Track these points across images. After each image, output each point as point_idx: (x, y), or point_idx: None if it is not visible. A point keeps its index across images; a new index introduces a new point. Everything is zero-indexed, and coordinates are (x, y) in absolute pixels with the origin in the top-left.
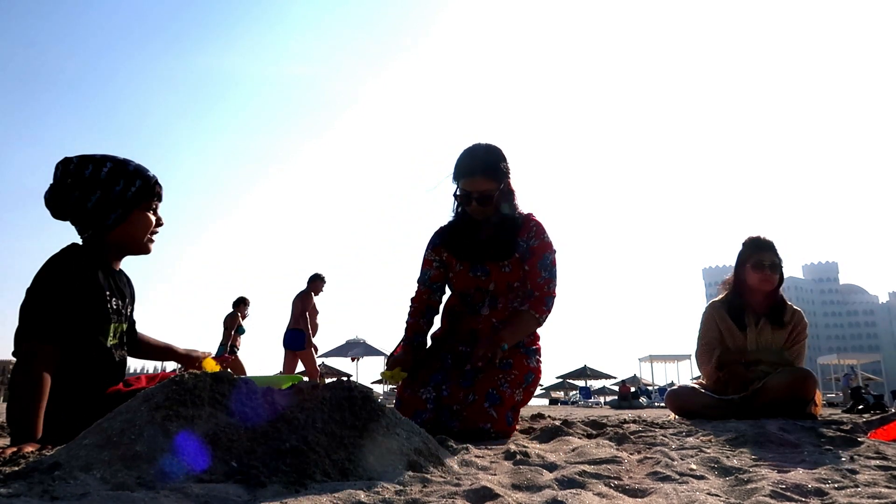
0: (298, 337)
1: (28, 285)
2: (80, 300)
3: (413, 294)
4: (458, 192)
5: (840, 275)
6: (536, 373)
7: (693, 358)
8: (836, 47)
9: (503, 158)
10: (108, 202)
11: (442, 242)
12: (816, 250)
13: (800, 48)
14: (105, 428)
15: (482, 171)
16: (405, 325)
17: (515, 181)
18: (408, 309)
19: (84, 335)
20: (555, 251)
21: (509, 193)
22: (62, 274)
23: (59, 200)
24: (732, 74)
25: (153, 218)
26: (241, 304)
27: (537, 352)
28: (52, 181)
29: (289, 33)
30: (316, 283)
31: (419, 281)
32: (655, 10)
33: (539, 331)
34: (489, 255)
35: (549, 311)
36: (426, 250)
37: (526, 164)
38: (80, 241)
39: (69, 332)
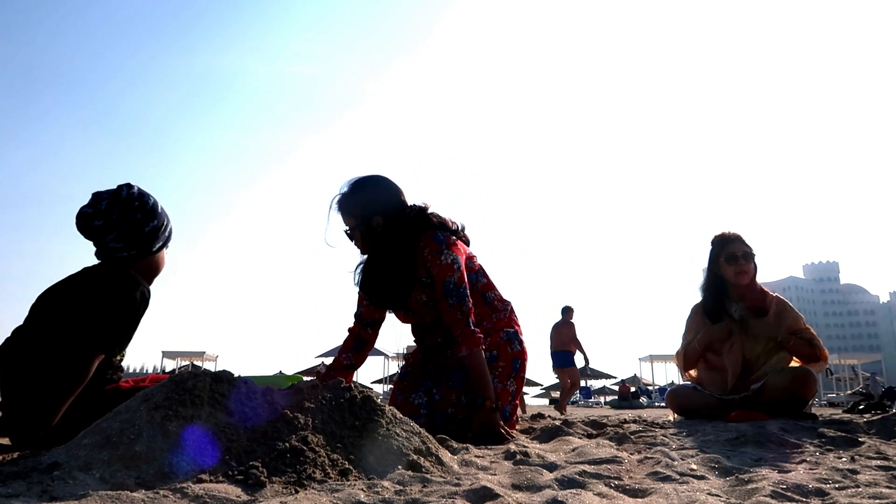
0: (568, 357)
1: (106, 293)
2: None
3: (350, 325)
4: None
5: (840, 275)
6: (522, 357)
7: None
8: (836, 47)
9: (368, 196)
10: (159, 232)
11: (359, 290)
12: (817, 250)
13: (799, 48)
14: (104, 428)
15: (339, 208)
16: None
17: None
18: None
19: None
20: (455, 269)
21: (375, 230)
22: (144, 298)
23: (119, 217)
24: (733, 74)
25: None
26: None
27: (517, 334)
28: (106, 198)
29: (289, 33)
30: (570, 312)
31: (354, 314)
32: (659, 11)
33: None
34: (392, 298)
35: (477, 333)
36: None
37: (527, 164)
38: (92, 258)
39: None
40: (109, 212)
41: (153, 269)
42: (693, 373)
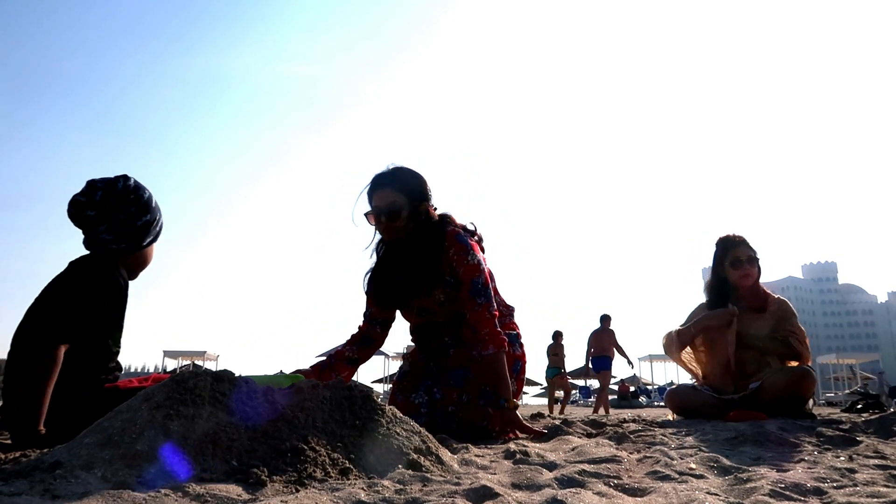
0: (607, 361)
1: (70, 282)
2: (122, 310)
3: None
4: (369, 214)
5: (839, 275)
6: (522, 359)
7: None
8: (835, 47)
9: (420, 180)
10: (151, 227)
11: (367, 292)
12: (816, 250)
13: (799, 48)
14: (106, 427)
15: (390, 183)
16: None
17: (442, 210)
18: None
19: (104, 340)
20: (482, 269)
21: (421, 215)
22: (116, 285)
23: (114, 209)
24: (732, 74)
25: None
26: (559, 336)
27: (518, 337)
28: (101, 188)
29: (289, 33)
30: (609, 319)
31: (364, 314)
32: (660, 10)
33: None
34: (408, 295)
35: (502, 335)
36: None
37: (527, 164)
38: (80, 249)
39: (99, 338)
40: (104, 203)
41: (140, 264)
42: (694, 371)
